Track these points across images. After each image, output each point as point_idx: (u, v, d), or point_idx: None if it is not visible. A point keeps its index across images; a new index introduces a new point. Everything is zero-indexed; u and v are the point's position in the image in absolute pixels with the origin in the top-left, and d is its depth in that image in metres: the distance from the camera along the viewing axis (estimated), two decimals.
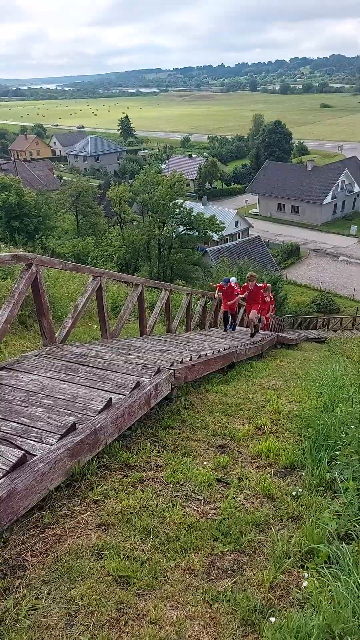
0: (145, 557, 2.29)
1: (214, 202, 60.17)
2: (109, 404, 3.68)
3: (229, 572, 2.28)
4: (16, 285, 4.90)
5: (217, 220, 34.21)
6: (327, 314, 31.55)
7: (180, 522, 2.61)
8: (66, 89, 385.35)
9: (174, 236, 32.80)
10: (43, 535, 2.43)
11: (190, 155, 79.04)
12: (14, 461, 2.66)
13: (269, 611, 2.02)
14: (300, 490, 2.99)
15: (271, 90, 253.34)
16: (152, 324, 8.50)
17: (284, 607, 2.07)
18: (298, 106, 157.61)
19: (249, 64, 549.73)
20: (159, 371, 4.69)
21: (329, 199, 53.30)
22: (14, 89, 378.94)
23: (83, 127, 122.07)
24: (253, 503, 2.91)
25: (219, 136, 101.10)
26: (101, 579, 2.11)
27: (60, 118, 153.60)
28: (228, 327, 11.22)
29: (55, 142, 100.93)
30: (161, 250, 32.97)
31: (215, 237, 38.50)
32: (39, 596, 2.01)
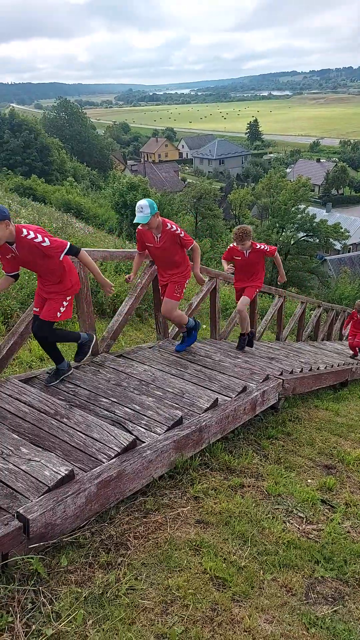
0: (242, 563, 2.27)
1: (340, 209, 57.20)
2: (215, 404, 3.71)
3: (329, 599, 2.16)
4: (139, 280, 5.17)
5: (341, 228, 32.49)
6: None
7: (279, 536, 2.54)
8: (199, 93, 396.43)
9: (292, 242, 31.90)
10: (145, 519, 2.53)
11: (318, 160, 76.19)
12: (125, 444, 2.82)
13: None
14: None
15: None
16: (262, 330, 8.38)
17: None
18: None
19: None
20: (267, 378, 4.61)
21: None
22: (151, 94, 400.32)
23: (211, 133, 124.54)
24: None
25: (352, 140, 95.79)
26: (198, 575, 2.14)
27: (190, 122, 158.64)
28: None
29: (183, 145, 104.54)
30: None
31: (338, 246, 36.58)
32: (138, 577, 2.10)
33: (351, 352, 9.19)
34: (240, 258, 5.66)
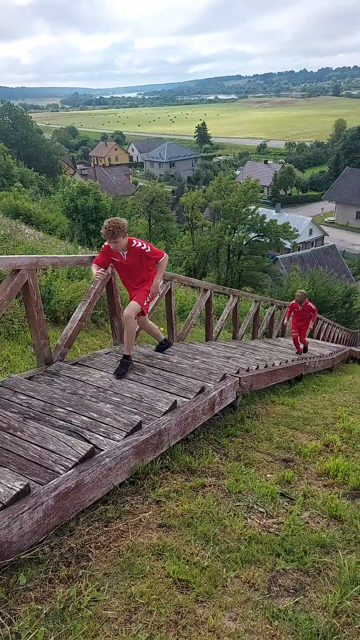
0: (205, 563, 2.27)
1: (288, 209, 59.00)
2: (174, 406, 3.71)
3: (291, 591, 2.20)
4: (92, 286, 5.10)
5: (290, 227, 33.50)
6: None
7: (241, 533, 2.57)
8: (146, 97, 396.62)
9: (244, 242, 32.55)
10: (107, 528, 2.49)
11: (265, 162, 78.27)
12: (83, 454, 2.76)
13: (333, 637, 1.92)
14: None
15: (356, 95, 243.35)
16: (219, 329, 8.48)
17: (349, 635, 1.96)
18: None
19: (333, 69, 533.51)
20: (224, 378, 4.66)
21: None
22: (98, 97, 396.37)
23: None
24: (319, 523, 2.79)
25: (297, 142, 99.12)
26: (161, 579, 2.13)
27: (139, 125, 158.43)
28: None
29: (133, 149, 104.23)
30: (230, 256, 32.86)
31: (288, 245, 37.66)
32: (101, 588, 2.06)
33: (296, 349, 8.93)
34: (118, 260, 4.38)
